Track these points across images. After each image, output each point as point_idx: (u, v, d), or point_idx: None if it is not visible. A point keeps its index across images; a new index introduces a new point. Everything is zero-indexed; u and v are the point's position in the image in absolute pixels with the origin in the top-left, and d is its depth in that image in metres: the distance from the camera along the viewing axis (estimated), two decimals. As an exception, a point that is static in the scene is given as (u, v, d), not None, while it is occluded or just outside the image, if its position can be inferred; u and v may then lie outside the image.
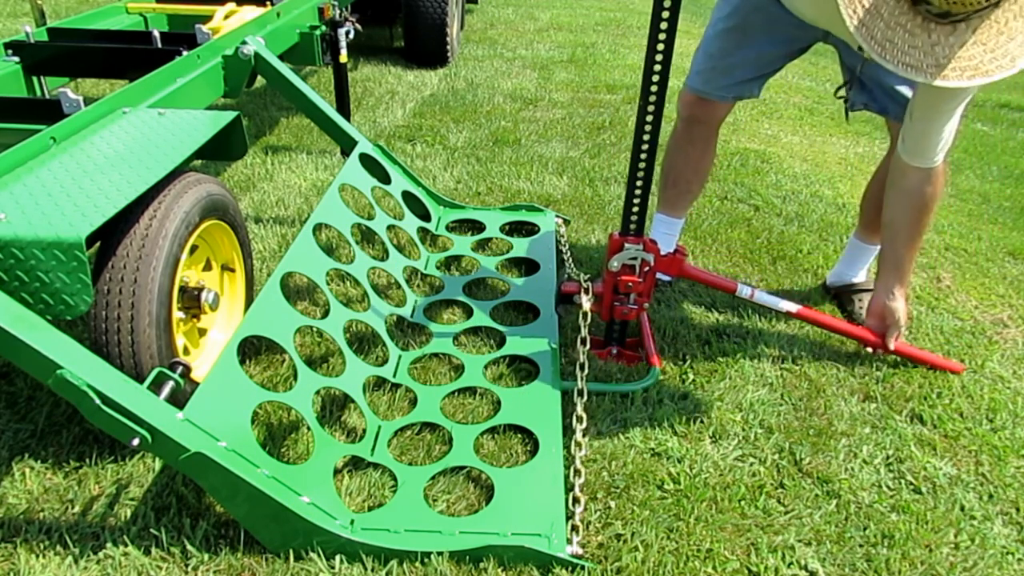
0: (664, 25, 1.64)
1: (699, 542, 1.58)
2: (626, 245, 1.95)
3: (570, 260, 2.51)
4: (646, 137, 1.81)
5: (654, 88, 1.73)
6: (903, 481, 1.78)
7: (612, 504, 1.66)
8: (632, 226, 1.96)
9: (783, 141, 4.33)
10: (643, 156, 1.84)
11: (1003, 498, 1.76)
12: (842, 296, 2.50)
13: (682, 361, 2.17)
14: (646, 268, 1.99)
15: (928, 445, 1.90)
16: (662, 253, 2.01)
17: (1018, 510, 1.72)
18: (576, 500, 1.61)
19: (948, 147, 1.89)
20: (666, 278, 2.58)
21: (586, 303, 2.04)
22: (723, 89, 2.25)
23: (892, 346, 2.12)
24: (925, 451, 1.88)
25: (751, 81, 2.25)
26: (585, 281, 2.10)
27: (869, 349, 2.20)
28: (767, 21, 2.10)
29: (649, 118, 1.78)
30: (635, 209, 1.93)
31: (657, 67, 1.69)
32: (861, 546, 1.60)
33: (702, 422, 1.93)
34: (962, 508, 1.71)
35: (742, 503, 1.69)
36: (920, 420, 1.99)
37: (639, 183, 1.88)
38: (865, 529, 1.64)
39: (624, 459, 1.79)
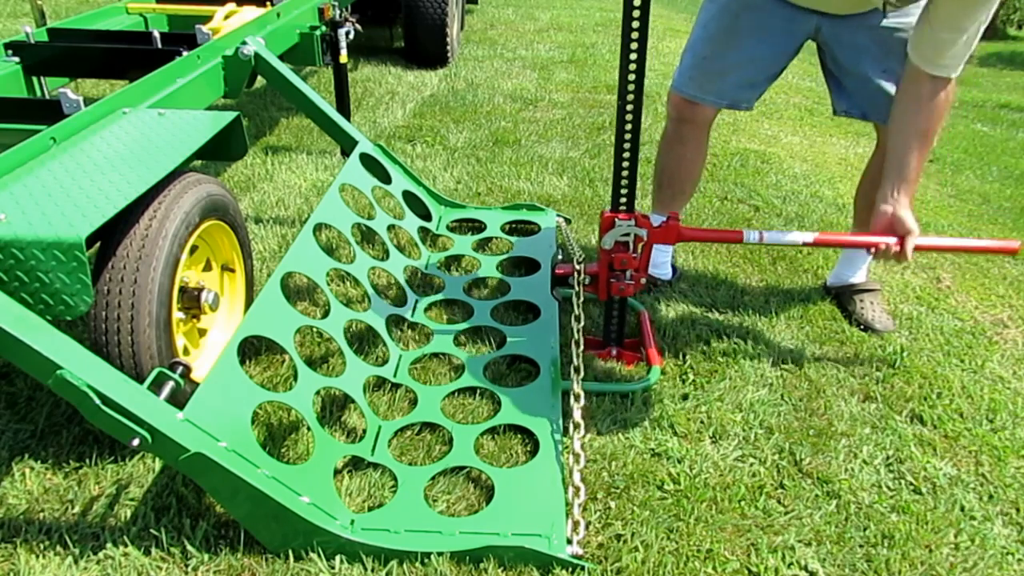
0: None
1: (699, 542, 1.57)
2: (617, 221, 1.91)
3: (577, 251, 2.50)
4: (629, 108, 1.79)
5: (633, 57, 1.71)
6: (903, 481, 1.78)
7: (612, 504, 1.66)
8: (622, 202, 1.94)
9: (783, 141, 4.33)
10: (628, 128, 1.82)
11: (1003, 498, 1.76)
12: (842, 296, 2.50)
13: (682, 361, 2.17)
14: (640, 244, 1.97)
15: (928, 445, 1.90)
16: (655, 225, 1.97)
17: (1018, 510, 1.72)
18: (576, 491, 1.60)
19: (966, 60, 1.83)
20: (666, 277, 2.58)
21: (579, 284, 2.04)
22: (715, 94, 2.23)
23: (910, 255, 1.91)
24: (925, 451, 1.88)
25: (745, 88, 2.22)
26: (579, 262, 2.09)
27: (884, 255, 1.95)
28: (757, 20, 2.08)
29: (631, 86, 1.76)
30: (624, 184, 1.91)
31: (635, 35, 1.68)
32: (861, 546, 1.60)
33: (702, 422, 1.93)
34: (962, 508, 1.71)
35: (742, 503, 1.69)
36: (920, 420, 1.99)
37: (626, 156, 1.86)
38: (865, 529, 1.64)
39: (624, 459, 1.79)
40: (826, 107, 2.34)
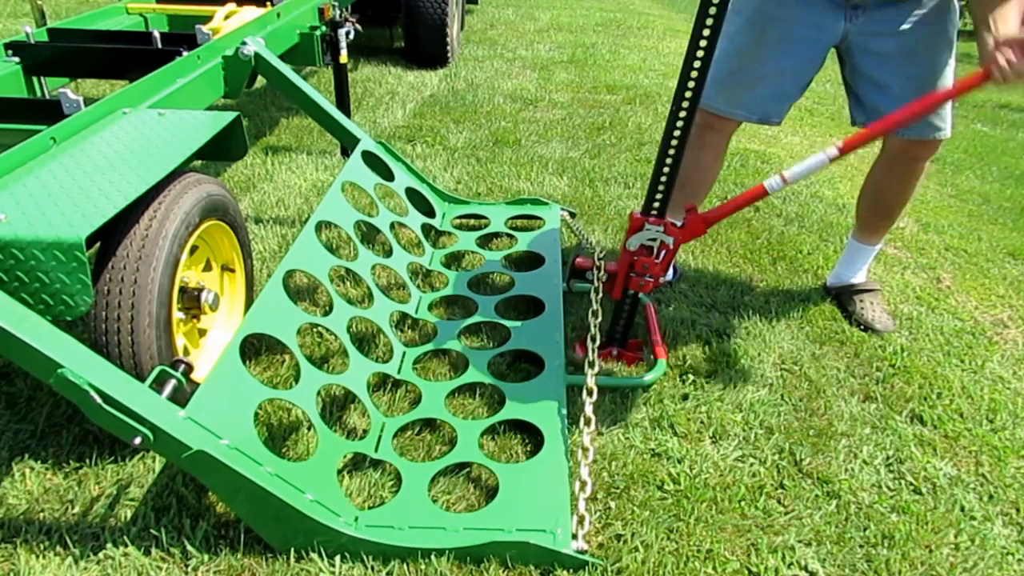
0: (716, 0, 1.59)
1: (699, 542, 1.58)
2: (647, 225, 1.90)
3: (596, 246, 2.49)
4: (683, 115, 1.74)
5: (700, 53, 1.66)
6: (903, 482, 1.78)
7: (612, 504, 1.66)
8: (655, 206, 1.91)
9: (783, 142, 4.33)
10: (676, 135, 1.77)
11: (1003, 499, 1.76)
12: (842, 297, 2.50)
13: (682, 361, 2.17)
14: (664, 250, 1.95)
15: (928, 446, 1.90)
16: (678, 226, 1.94)
17: (1018, 511, 1.72)
18: (583, 486, 1.60)
19: None
20: (668, 278, 2.58)
21: (597, 279, 2.04)
22: (744, 108, 2.19)
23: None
24: (925, 451, 1.88)
25: (774, 100, 2.18)
26: (599, 258, 2.08)
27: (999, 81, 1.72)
28: (783, 31, 2.06)
29: (688, 94, 1.72)
30: (660, 189, 1.87)
31: (703, 43, 1.65)
32: (861, 547, 1.60)
33: (702, 422, 1.93)
34: (962, 509, 1.71)
35: (742, 503, 1.69)
36: (920, 420, 1.99)
37: (668, 161, 1.82)
38: (865, 530, 1.64)
39: (624, 459, 1.79)
40: (827, 107, 2.34)
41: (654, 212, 1.92)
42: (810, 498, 1.72)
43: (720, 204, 1.95)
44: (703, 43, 1.65)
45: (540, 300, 2.30)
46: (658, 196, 1.90)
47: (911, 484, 1.78)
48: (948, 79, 2.06)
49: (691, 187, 2.44)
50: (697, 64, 1.68)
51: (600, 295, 2.04)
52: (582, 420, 1.73)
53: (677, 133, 1.79)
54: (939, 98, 1.87)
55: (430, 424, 1.87)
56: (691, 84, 1.71)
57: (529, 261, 2.61)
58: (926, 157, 2.22)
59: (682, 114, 1.76)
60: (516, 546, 1.47)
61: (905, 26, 1.99)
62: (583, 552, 1.49)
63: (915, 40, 2.00)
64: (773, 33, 2.08)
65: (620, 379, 2.03)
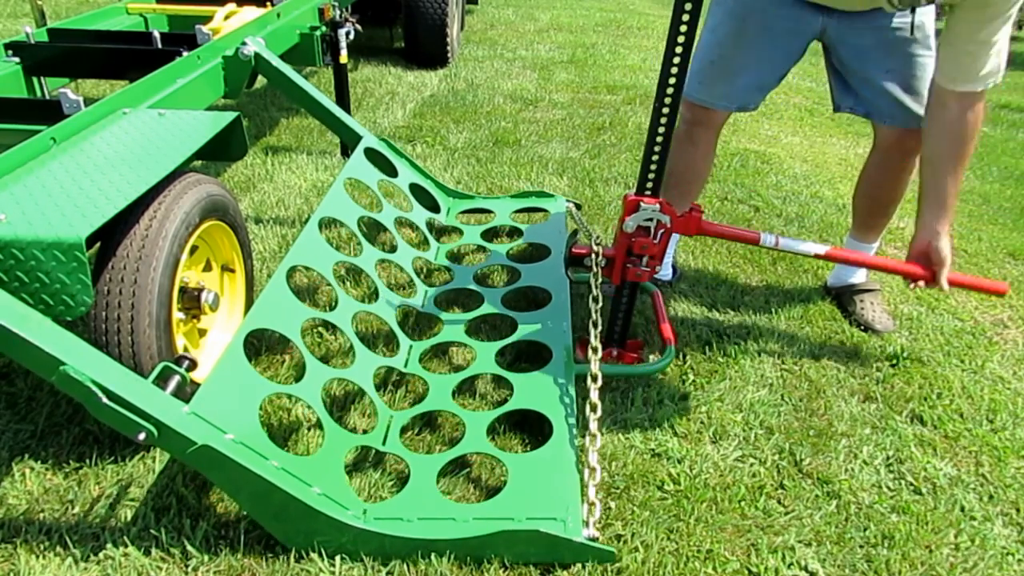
0: None
1: (699, 543, 1.58)
2: (642, 205, 1.88)
3: (594, 233, 2.48)
4: (669, 91, 1.73)
5: (682, 31, 1.65)
6: (903, 482, 1.78)
7: (612, 504, 1.66)
8: (649, 186, 1.89)
9: (783, 142, 4.33)
10: (665, 112, 1.77)
11: (1003, 499, 1.76)
12: (842, 297, 2.50)
13: (682, 361, 2.17)
14: (661, 230, 1.94)
15: (928, 446, 1.90)
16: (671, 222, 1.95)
17: (1018, 511, 1.72)
18: (592, 472, 1.58)
19: (996, 71, 1.82)
20: (667, 278, 2.58)
21: (596, 265, 2.04)
22: (724, 98, 2.23)
23: (945, 284, 2.01)
24: (925, 452, 1.88)
25: (754, 91, 2.22)
26: (596, 244, 2.08)
27: (918, 284, 2.06)
28: (763, 22, 2.09)
29: (674, 70, 1.71)
30: (652, 168, 1.86)
31: (683, 27, 1.64)
32: (861, 547, 1.60)
33: (702, 422, 1.93)
34: (962, 509, 1.71)
35: (742, 504, 1.69)
36: (920, 421, 1.99)
37: (659, 140, 1.81)
38: (865, 530, 1.64)
39: (624, 459, 1.79)
40: (826, 107, 2.35)
41: (648, 191, 1.91)
42: (810, 498, 1.72)
43: (720, 224, 2.04)
44: (683, 27, 1.64)
45: (547, 291, 2.29)
46: (651, 175, 1.88)
47: (911, 484, 1.78)
48: (928, 71, 2.07)
49: (684, 185, 2.44)
50: (681, 40, 1.67)
51: (600, 280, 2.02)
52: (588, 407, 1.71)
53: (666, 110, 1.77)
54: (878, 264, 2.13)
55: (438, 417, 1.87)
56: (676, 60, 1.69)
57: (535, 253, 2.60)
58: (918, 150, 2.23)
59: (669, 90, 1.74)
60: (527, 534, 1.45)
61: (882, 21, 2.02)
62: (594, 539, 1.48)
63: (893, 34, 2.03)
64: (753, 24, 2.11)
65: (630, 367, 2.02)
